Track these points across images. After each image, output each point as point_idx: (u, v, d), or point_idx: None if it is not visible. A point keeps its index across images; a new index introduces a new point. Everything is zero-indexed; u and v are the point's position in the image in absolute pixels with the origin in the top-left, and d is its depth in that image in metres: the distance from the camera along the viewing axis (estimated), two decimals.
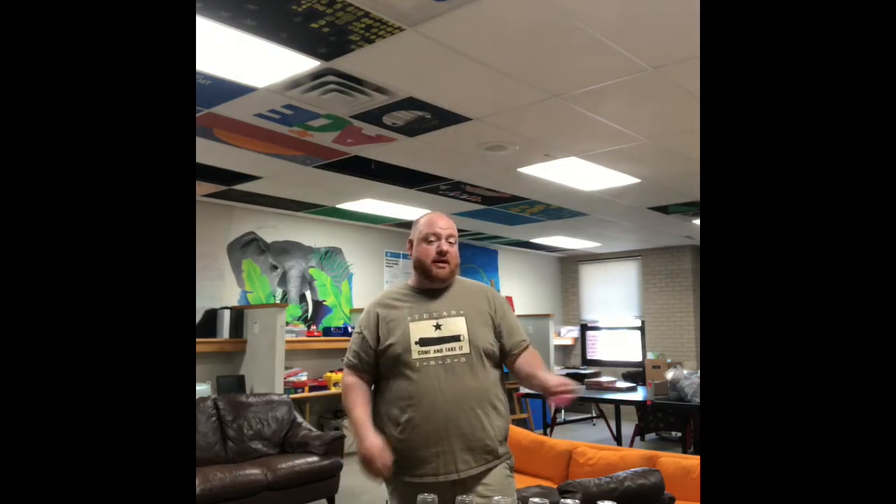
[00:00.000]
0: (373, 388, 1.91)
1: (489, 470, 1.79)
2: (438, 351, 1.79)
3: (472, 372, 1.79)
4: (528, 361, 1.88)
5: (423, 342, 1.80)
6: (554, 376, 1.76)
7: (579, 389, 1.69)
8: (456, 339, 1.81)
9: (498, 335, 1.89)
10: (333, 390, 6.16)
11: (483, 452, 1.77)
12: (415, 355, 1.78)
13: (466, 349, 1.80)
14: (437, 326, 1.82)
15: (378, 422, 1.83)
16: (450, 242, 1.88)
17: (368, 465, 1.73)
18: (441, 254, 1.86)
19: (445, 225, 1.91)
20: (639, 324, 9.33)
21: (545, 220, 6.89)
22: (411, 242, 1.94)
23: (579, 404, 8.74)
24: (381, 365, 1.85)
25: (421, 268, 1.90)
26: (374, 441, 1.75)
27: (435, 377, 1.76)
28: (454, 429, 1.74)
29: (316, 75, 3.08)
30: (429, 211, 2.02)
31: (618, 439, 6.27)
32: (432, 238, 1.88)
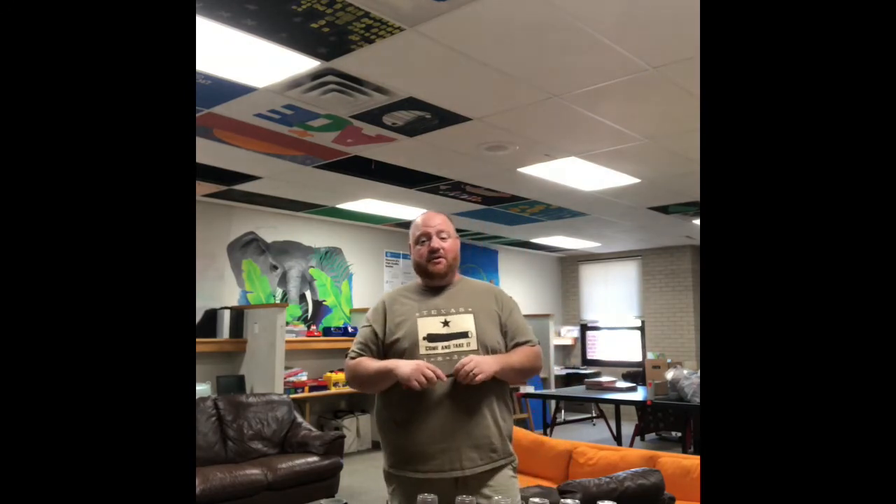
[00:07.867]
0: None
1: (493, 469, 1.78)
2: (446, 347, 1.80)
3: None
4: (513, 350, 1.87)
5: (431, 338, 1.81)
6: (473, 359, 1.73)
7: (467, 373, 1.70)
8: (464, 335, 1.82)
9: (504, 333, 1.89)
10: (333, 390, 6.16)
11: (488, 451, 1.77)
12: (422, 350, 1.79)
13: (474, 346, 1.81)
14: (446, 323, 1.83)
15: (382, 417, 1.84)
16: (441, 238, 1.89)
17: (415, 374, 1.68)
18: (432, 252, 1.87)
19: (435, 222, 1.92)
20: (639, 324, 9.33)
21: (545, 220, 6.89)
22: (410, 247, 1.97)
23: (579, 404, 8.75)
24: (388, 359, 1.85)
25: (419, 269, 1.92)
26: (407, 361, 1.74)
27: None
28: (460, 426, 1.73)
29: (316, 75, 3.08)
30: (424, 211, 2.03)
31: (618, 439, 6.27)
32: (423, 238, 1.90)
